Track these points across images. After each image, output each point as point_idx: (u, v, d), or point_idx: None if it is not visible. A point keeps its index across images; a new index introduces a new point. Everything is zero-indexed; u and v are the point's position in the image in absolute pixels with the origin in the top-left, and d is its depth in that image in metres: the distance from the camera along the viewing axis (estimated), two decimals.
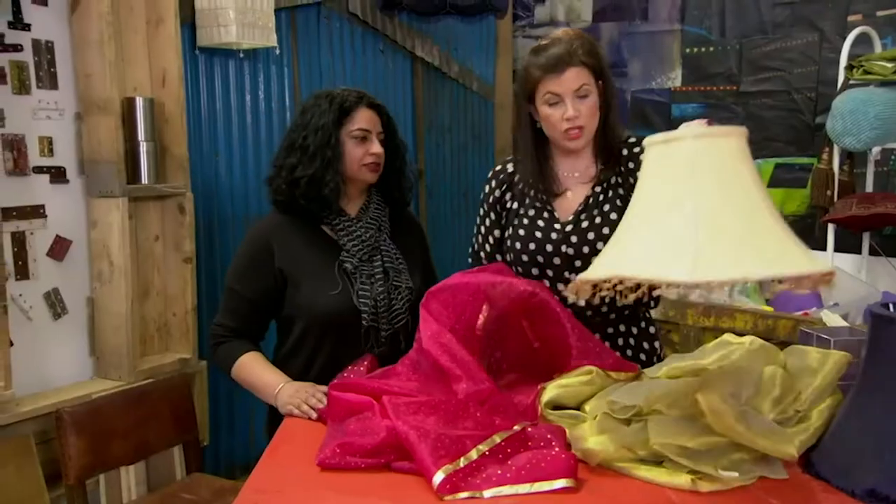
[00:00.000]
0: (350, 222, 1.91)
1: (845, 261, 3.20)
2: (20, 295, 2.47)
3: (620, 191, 1.77)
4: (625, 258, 1.24)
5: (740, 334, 2.51)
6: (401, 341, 1.93)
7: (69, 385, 2.58)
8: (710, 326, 2.52)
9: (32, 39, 2.48)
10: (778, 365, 1.46)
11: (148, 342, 2.77)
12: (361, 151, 1.90)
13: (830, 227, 3.09)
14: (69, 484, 2.23)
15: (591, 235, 1.74)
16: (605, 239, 1.68)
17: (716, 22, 3.98)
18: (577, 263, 1.73)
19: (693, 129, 1.26)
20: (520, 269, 1.80)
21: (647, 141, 1.31)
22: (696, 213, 1.17)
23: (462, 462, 1.28)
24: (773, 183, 3.85)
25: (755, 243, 1.15)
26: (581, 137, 1.74)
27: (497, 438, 1.34)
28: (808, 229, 3.56)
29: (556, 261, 1.76)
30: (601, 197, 1.78)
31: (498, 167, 1.91)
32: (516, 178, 1.85)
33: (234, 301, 1.90)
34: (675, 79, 4.12)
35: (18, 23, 2.44)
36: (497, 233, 1.89)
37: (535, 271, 1.78)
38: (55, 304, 2.57)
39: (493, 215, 1.89)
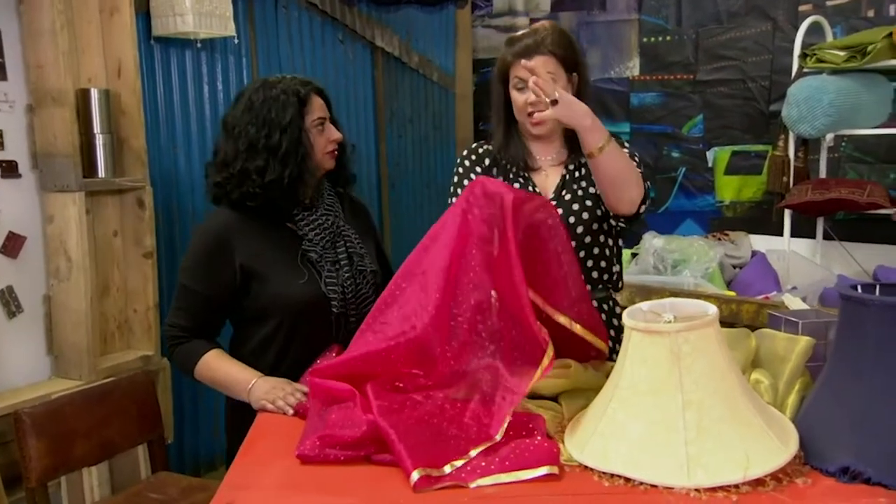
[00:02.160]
0: (308, 211, 1.89)
1: (801, 245, 3.28)
2: None
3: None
4: (615, 453, 1.26)
5: None
6: None
7: (27, 385, 2.51)
8: None
9: None
10: (749, 350, 1.50)
11: (108, 340, 2.71)
12: (324, 140, 1.88)
13: (787, 213, 3.16)
14: (30, 487, 2.16)
15: (575, 206, 1.83)
16: (589, 211, 1.82)
17: (672, 11, 4.03)
18: None
19: (674, 325, 1.28)
20: None
21: (627, 322, 1.31)
22: (682, 411, 1.22)
23: (447, 469, 1.26)
24: (730, 170, 3.92)
25: (741, 444, 1.21)
26: (543, 125, 1.80)
27: (482, 448, 1.33)
28: (763, 215, 3.64)
29: None
30: (577, 174, 1.87)
31: (474, 145, 1.97)
32: (497, 156, 1.91)
33: (189, 299, 1.84)
34: (633, 68, 4.16)
35: None
36: (474, 172, 1.89)
37: None
38: (9, 302, 2.49)
39: (472, 161, 1.91)
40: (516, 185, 1.87)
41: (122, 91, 2.64)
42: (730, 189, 3.93)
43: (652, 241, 3.02)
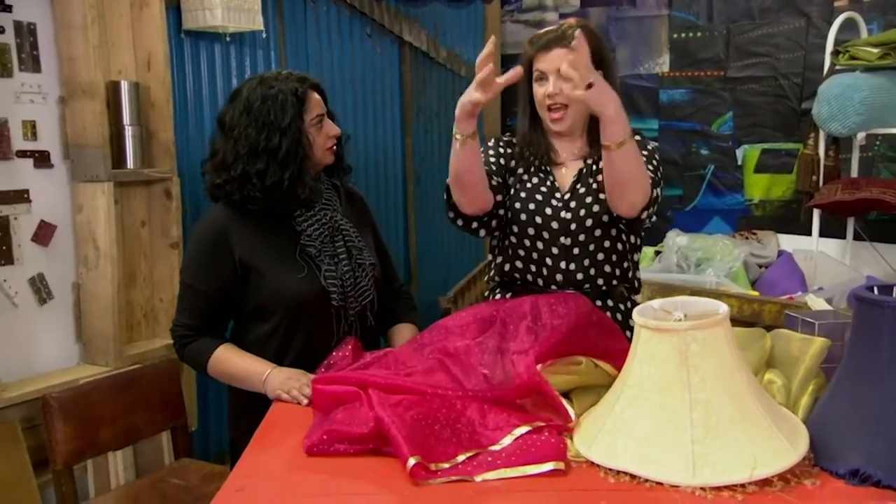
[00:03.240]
0: (308, 210, 1.90)
1: (830, 245, 3.23)
2: (5, 280, 2.44)
3: None
4: (622, 450, 1.26)
5: None
6: (368, 318, 1.94)
7: (55, 371, 2.57)
8: None
9: (14, 21, 2.44)
10: (764, 350, 1.49)
11: (135, 328, 2.76)
12: (323, 137, 1.89)
13: (816, 212, 3.11)
14: (56, 469, 2.22)
15: (588, 200, 1.83)
16: (601, 204, 1.81)
17: (703, 7, 3.99)
18: (573, 227, 1.82)
19: (683, 323, 1.27)
20: (516, 228, 1.86)
21: (637, 319, 1.30)
22: (689, 410, 1.22)
23: (445, 465, 1.28)
24: (760, 168, 3.87)
25: (748, 444, 1.20)
26: (563, 121, 1.81)
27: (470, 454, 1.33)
28: (793, 214, 3.58)
29: (554, 225, 1.83)
30: (594, 168, 1.87)
31: (505, 137, 1.98)
32: (521, 149, 1.92)
33: (193, 298, 1.86)
34: (662, 64, 4.12)
35: None
36: (496, 159, 1.89)
37: (531, 231, 1.85)
38: (40, 289, 2.55)
39: (497, 150, 1.92)
40: (535, 180, 1.88)
41: (152, 84, 2.68)
42: (759, 187, 3.88)
43: (675, 239, 2.99)
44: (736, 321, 2.51)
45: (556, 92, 1.76)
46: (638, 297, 1.95)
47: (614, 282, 1.87)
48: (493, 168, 1.88)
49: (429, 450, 1.31)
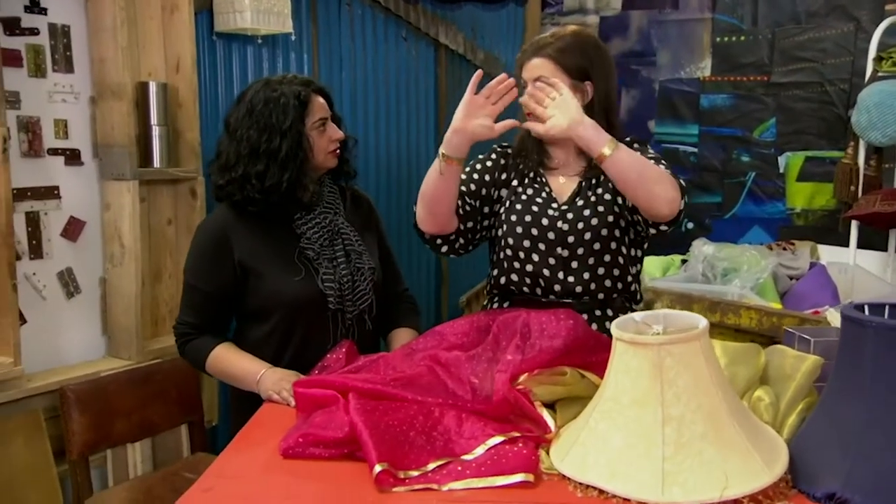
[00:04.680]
0: (308, 213, 1.90)
1: (870, 258, 3.10)
2: (34, 274, 2.53)
3: (610, 184, 1.75)
4: (593, 464, 1.24)
5: (745, 331, 2.48)
6: (365, 321, 1.94)
7: (81, 363, 2.64)
8: (716, 322, 2.47)
9: (49, 23, 2.53)
10: (758, 367, 1.44)
11: (159, 323, 2.82)
12: (325, 140, 1.90)
13: (854, 224, 2.99)
14: (72, 459, 2.29)
15: (586, 212, 1.79)
16: (599, 217, 1.78)
17: (748, 10, 3.88)
18: (570, 240, 1.79)
19: (658, 337, 1.25)
20: (511, 241, 1.82)
21: (614, 332, 1.27)
22: (662, 426, 1.19)
23: (401, 475, 1.26)
24: (803, 177, 3.75)
25: (721, 463, 1.16)
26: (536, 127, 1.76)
27: (441, 462, 1.32)
28: (837, 225, 3.46)
29: (551, 235, 1.80)
30: (594, 181, 1.83)
31: (494, 147, 1.97)
32: (516, 159, 1.90)
33: (195, 297, 1.89)
34: (704, 68, 4.03)
35: (35, 6, 2.49)
36: (480, 176, 1.88)
37: (526, 243, 1.82)
38: (68, 283, 2.63)
39: (486, 164, 1.89)
40: (531, 191, 1.85)
41: (180, 85, 2.74)
42: (801, 196, 3.75)
43: (702, 248, 2.92)
44: (754, 334, 2.46)
45: (525, 102, 1.75)
46: (638, 308, 1.90)
47: (614, 294, 1.83)
48: (472, 188, 1.85)
49: (401, 457, 1.30)
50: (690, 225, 4.00)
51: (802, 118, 3.74)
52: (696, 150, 4.04)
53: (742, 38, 3.90)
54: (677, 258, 3.11)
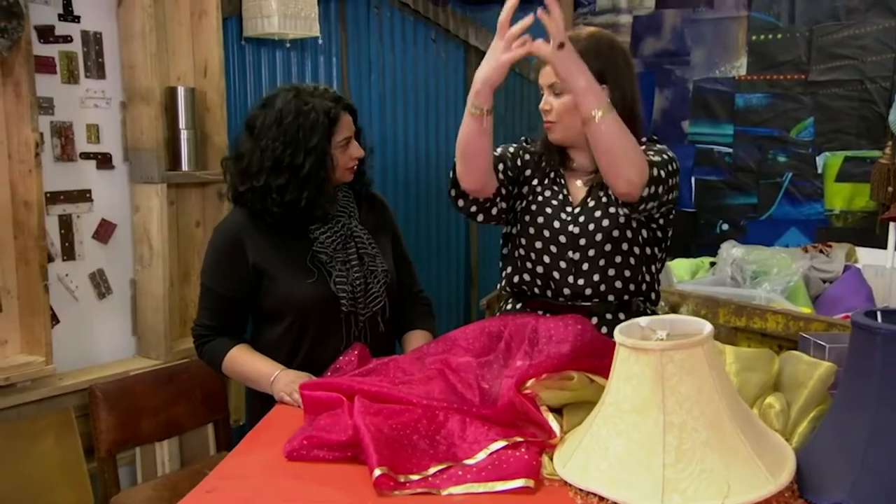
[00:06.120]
0: (324, 223, 1.91)
1: None
2: (66, 275, 2.59)
3: None
4: (595, 470, 1.22)
5: (772, 336, 2.43)
6: (379, 324, 1.94)
7: (111, 362, 2.70)
8: (742, 326, 2.42)
9: (81, 31, 2.59)
10: (770, 373, 1.40)
11: (188, 323, 2.85)
12: (346, 158, 1.91)
13: (892, 226, 2.91)
14: (100, 456, 2.35)
15: (597, 213, 1.79)
16: (610, 217, 1.77)
17: (785, 8, 3.80)
18: (581, 242, 1.78)
19: (660, 343, 1.22)
20: (524, 241, 1.84)
21: (617, 337, 1.26)
22: (663, 433, 1.17)
23: (402, 479, 1.26)
24: (841, 177, 3.65)
25: (723, 471, 1.14)
26: (553, 132, 1.79)
27: (442, 466, 1.31)
28: (873, 227, 3.37)
29: (562, 239, 1.80)
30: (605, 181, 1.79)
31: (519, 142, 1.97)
32: (537, 158, 1.90)
33: (211, 299, 1.92)
34: (739, 67, 3.95)
35: (68, 15, 2.56)
36: (513, 156, 1.88)
37: (538, 245, 1.82)
38: (100, 284, 2.69)
39: (517, 151, 1.90)
40: (548, 193, 1.85)
41: (208, 89, 2.78)
42: (840, 197, 3.66)
43: (731, 251, 2.86)
44: (781, 339, 2.40)
45: (546, 107, 1.77)
46: (658, 309, 1.88)
47: (626, 296, 1.81)
48: (508, 160, 1.85)
49: (403, 460, 1.30)
50: (725, 226, 3.93)
51: (841, 117, 3.64)
52: (731, 150, 3.96)
53: (779, 36, 3.81)
54: (706, 261, 3.06)
